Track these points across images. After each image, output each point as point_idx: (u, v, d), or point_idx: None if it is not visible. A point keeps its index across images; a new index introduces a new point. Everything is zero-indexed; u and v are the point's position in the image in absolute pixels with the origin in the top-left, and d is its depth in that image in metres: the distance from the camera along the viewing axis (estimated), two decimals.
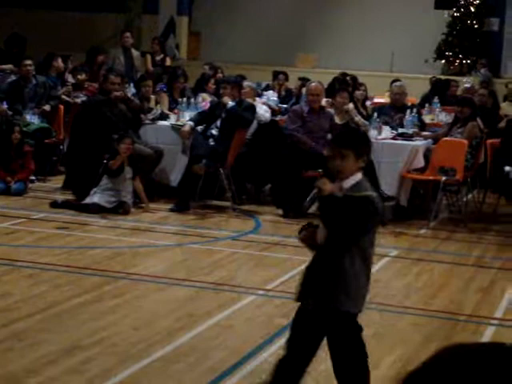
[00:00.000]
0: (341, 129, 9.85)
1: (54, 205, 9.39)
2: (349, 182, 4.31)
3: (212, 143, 9.96)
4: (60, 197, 10.02)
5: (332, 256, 4.31)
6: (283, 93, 14.07)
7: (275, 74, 14.29)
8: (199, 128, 10.11)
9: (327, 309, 4.32)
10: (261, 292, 6.79)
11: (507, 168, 9.35)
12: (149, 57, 15.80)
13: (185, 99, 11.29)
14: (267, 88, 13.94)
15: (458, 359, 0.78)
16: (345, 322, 4.36)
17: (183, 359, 5.20)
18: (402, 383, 0.79)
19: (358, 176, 4.34)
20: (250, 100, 10.50)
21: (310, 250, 4.45)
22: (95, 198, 9.33)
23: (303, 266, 7.45)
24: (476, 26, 18.99)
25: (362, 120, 10.58)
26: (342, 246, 4.29)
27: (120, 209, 9.33)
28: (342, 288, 4.29)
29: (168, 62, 15.92)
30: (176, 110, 10.94)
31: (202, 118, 10.16)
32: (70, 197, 9.92)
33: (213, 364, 5.15)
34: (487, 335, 6.02)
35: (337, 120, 10.27)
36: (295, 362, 4.39)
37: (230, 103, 9.98)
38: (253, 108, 10.17)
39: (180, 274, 7.15)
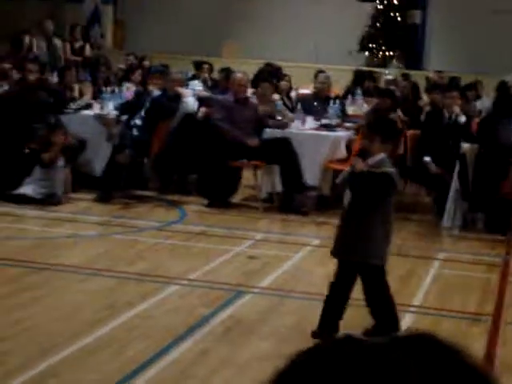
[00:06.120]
0: (264, 119, 9.97)
1: None
2: (373, 160, 5.33)
3: (136, 133, 9.93)
4: None
5: (354, 220, 5.39)
6: (209, 83, 14.05)
7: (197, 64, 14.25)
8: (123, 118, 10.06)
9: (354, 262, 5.43)
10: (184, 282, 6.82)
11: (427, 158, 9.54)
12: (68, 45, 15.61)
13: (108, 88, 11.21)
14: (193, 78, 13.91)
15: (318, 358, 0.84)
16: (369, 272, 5.45)
17: (104, 350, 5.19)
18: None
19: (381, 155, 5.35)
20: (180, 89, 10.51)
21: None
22: (27, 188, 9.24)
23: (227, 256, 7.59)
24: (399, 19, 19.26)
25: (286, 111, 10.69)
26: (362, 212, 5.34)
27: (50, 199, 9.23)
28: (363, 245, 5.37)
29: (88, 50, 15.75)
30: (99, 100, 10.86)
31: (127, 107, 10.12)
32: None
33: (134, 354, 5.15)
34: (406, 322, 6.15)
35: (261, 110, 10.33)
36: (335, 302, 5.55)
37: (156, 92, 9.97)
38: (177, 98, 10.17)
39: (102, 265, 7.11)
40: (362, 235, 5.40)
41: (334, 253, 5.60)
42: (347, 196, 5.46)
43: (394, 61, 18.22)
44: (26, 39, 14.45)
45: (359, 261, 5.47)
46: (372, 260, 5.45)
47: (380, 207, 5.41)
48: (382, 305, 5.58)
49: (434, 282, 7.20)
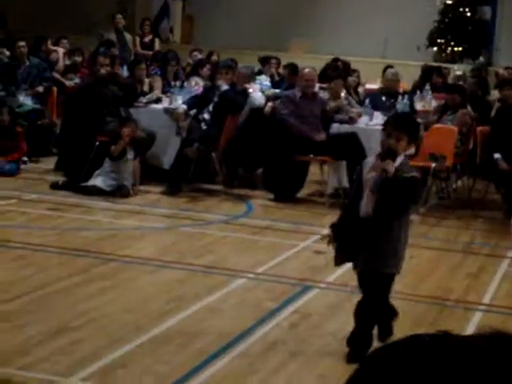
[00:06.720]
0: (332, 114, 9.95)
1: (55, 186, 9.46)
2: (396, 162, 4.90)
3: (204, 127, 9.99)
4: (55, 178, 9.98)
5: (380, 229, 4.97)
6: (276, 78, 14.05)
7: (263, 60, 14.24)
8: (191, 112, 10.14)
9: (375, 272, 5.04)
10: (251, 275, 6.84)
11: (496, 155, 9.40)
12: (137, 38, 15.76)
13: (178, 83, 11.29)
14: (259, 73, 13.92)
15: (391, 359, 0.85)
16: (385, 280, 5.11)
17: (172, 341, 5.25)
18: None
19: (403, 156, 5.01)
20: (248, 84, 10.53)
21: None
22: (97, 180, 9.38)
23: (293, 250, 7.60)
24: (468, 14, 19.01)
25: (356, 105, 10.64)
26: (394, 218, 4.97)
27: (119, 192, 9.35)
28: (391, 253, 5.01)
29: (157, 44, 15.89)
30: (169, 94, 10.95)
31: (195, 101, 10.19)
32: (62, 178, 9.94)
33: (201, 346, 5.19)
34: (474, 321, 6.08)
35: (330, 106, 10.29)
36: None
37: (224, 87, 10.01)
38: (245, 93, 10.20)
39: (171, 257, 7.19)
40: (388, 244, 5.01)
41: (361, 265, 5.14)
42: (368, 204, 4.98)
43: (481, 57, 17.93)
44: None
45: (379, 271, 5.06)
46: (389, 269, 5.08)
47: (405, 213, 5.09)
48: (383, 312, 5.31)
49: (504, 281, 7.10)
